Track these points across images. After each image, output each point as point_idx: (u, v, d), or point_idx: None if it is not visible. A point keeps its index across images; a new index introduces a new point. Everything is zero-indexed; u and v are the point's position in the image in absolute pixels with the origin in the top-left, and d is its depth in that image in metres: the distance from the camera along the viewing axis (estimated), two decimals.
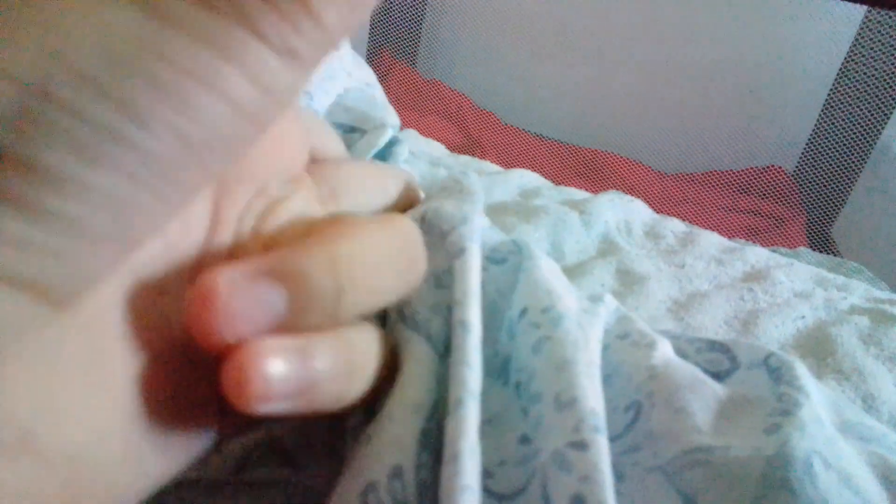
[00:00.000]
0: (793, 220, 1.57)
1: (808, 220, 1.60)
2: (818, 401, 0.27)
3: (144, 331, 0.14)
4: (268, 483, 0.26)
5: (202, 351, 0.13)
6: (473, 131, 1.75)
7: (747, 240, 0.57)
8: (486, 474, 0.23)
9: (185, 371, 0.15)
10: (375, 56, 1.91)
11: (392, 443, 0.20)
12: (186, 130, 0.11)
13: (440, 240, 0.28)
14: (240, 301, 0.13)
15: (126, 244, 0.11)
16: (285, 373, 0.14)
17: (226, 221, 0.16)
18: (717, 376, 0.30)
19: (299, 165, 0.19)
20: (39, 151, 0.10)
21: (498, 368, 0.27)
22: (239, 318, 0.13)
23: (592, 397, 0.23)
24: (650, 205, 0.59)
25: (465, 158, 0.60)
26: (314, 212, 0.19)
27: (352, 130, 0.39)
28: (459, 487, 0.19)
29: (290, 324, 0.14)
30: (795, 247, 1.33)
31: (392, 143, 0.38)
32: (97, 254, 0.11)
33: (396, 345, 0.25)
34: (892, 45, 1.51)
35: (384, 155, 0.37)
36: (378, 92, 0.47)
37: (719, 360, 0.31)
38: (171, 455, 0.15)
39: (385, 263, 0.16)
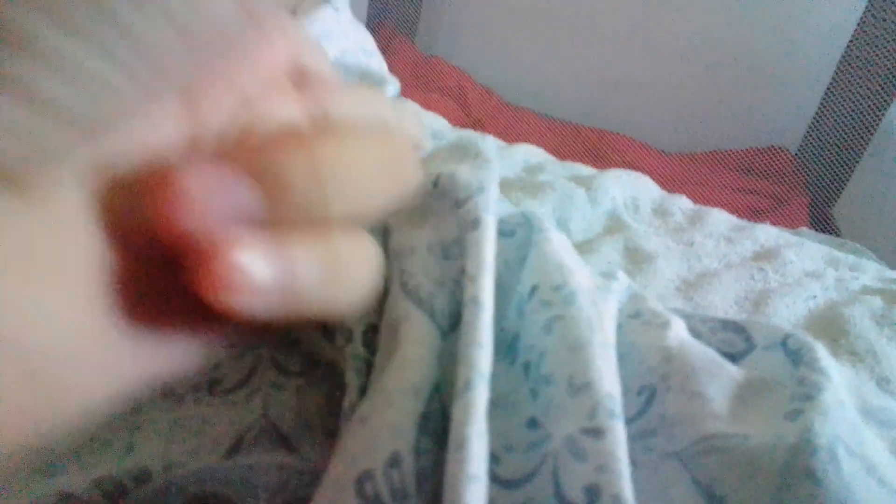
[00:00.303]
0: (795, 200, 1.56)
1: (811, 200, 1.59)
2: (840, 384, 0.26)
3: (117, 227, 0.13)
4: (262, 466, 0.25)
5: (167, 245, 0.13)
6: (474, 109, 1.74)
7: (749, 220, 0.55)
8: (492, 458, 0.22)
9: (161, 272, 0.14)
10: (374, 30, 1.89)
11: (389, 428, 0.20)
12: (178, 13, 0.10)
13: (453, 208, 0.26)
14: (204, 190, 0.13)
15: (93, 126, 0.11)
16: (262, 263, 0.13)
17: (205, 126, 0.15)
18: (732, 357, 0.29)
19: (285, 76, 0.18)
20: (21, 17, 0.09)
21: (505, 347, 0.26)
22: (201, 206, 0.12)
23: (608, 380, 0.22)
24: None
25: (467, 132, 0.58)
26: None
27: None
28: (466, 477, 0.18)
29: (269, 224, 0.13)
30: (797, 227, 1.33)
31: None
32: (61, 133, 0.11)
33: (396, 320, 0.24)
34: (895, 27, 1.50)
35: None
36: (376, 59, 0.45)
37: (734, 340, 0.30)
38: (145, 358, 0.14)
39: (371, 169, 0.15)
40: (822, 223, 1.56)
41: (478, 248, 0.23)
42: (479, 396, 0.19)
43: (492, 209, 0.25)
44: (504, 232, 0.28)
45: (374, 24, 1.90)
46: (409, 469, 0.19)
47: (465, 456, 0.18)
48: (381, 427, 0.20)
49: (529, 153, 0.60)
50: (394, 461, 0.19)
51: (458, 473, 0.18)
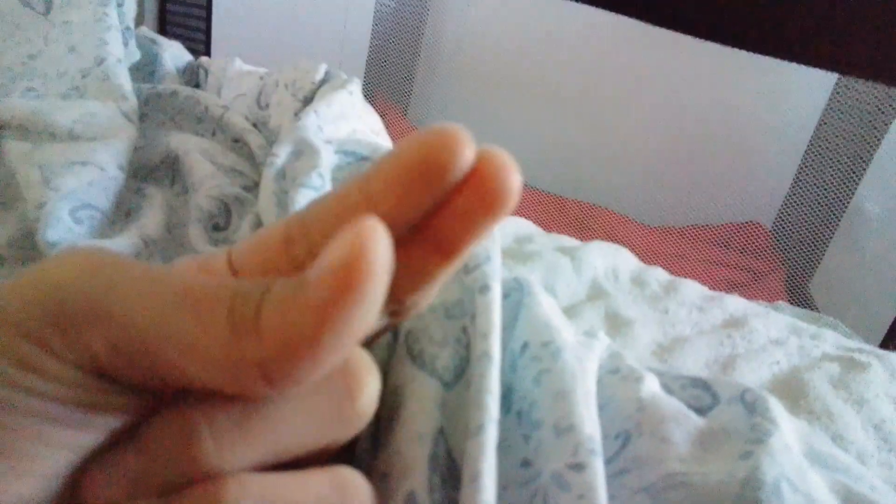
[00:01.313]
0: (772, 274, 1.61)
1: (787, 275, 1.64)
2: (788, 431, 0.29)
3: None
4: None
5: None
6: None
7: (727, 293, 0.60)
8: None
9: None
10: (368, 103, 1.95)
11: (403, 473, 0.22)
12: None
13: (460, 274, 0.30)
14: None
15: None
16: None
17: None
18: (700, 411, 0.32)
19: None
20: None
21: (500, 398, 0.29)
22: None
23: (589, 424, 0.26)
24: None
25: None
26: None
27: (363, 159, 0.42)
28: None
29: None
30: (774, 301, 1.37)
31: None
32: None
33: (401, 381, 0.27)
34: (863, 107, 1.58)
35: None
36: (382, 137, 0.50)
37: (701, 396, 0.33)
38: None
39: None
40: (800, 297, 1.60)
41: (488, 310, 0.27)
42: (490, 437, 0.22)
43: (498, 276, 0.29)
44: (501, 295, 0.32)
45: (369, 97, 1.98)
46: (425, 503, 0.22)
47: (480, 487, 0.21)
48: (398, 475, 0.22)
49: (519, 225, 0.65)
50: (410, 499, 0.22)
51: (474, 501, 0.20)
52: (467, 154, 0.16)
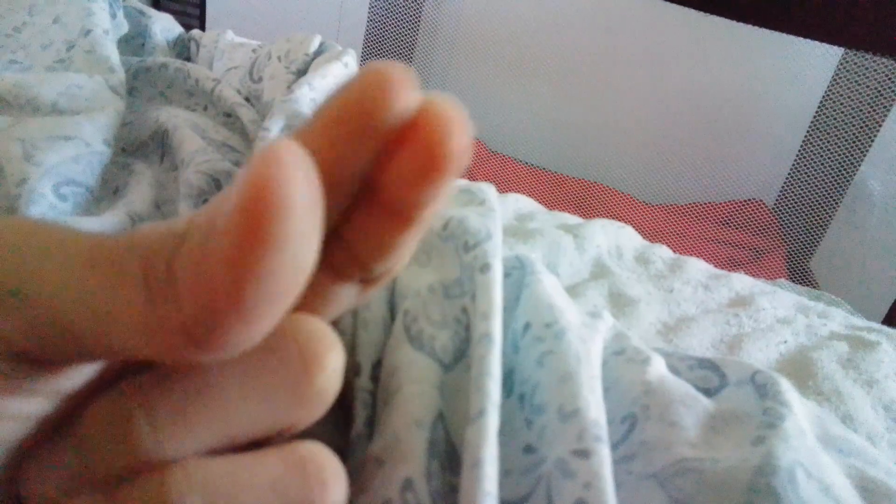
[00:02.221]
0: (773, 252, 1.60)
1: (788, 252, 1.64)
2: (801, 415, 0.28)
3: None
4: None
5: None
6: None
7: (728, 271, 0.59)
8: None
9: None
10: None
11: (400, 459, 0.22)
12: None
13: (459, 251, 0.29)
14: None
15: None
16: None
17: None
18: (707, 392, 0.32)
19: None
20: None
21: (501, 380, 0.28)
22: None
23: (594, 408, 0.25)
24: None
25: (465, 183, 0.61)
26: None
27: None
28: (483, 493, 0.20)
29: None
30: (775, 279, 1.37)
31: None
32: None
33: (396, 363, 0.26)
34: (867, 84, 1.56)
35: None
36: None
37: (709, 377, 0.32)
38: None
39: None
40: (800, 275, 1.59)
41: (488, 290, 0.26)
42: (491, 422, 0.22)
43: (498, 255, 0.28)
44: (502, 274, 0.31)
45: None
46: (422, 491, 0.21)
47: (481, 474, 0.20)
48: (395, 460, 0.22)
49: (520, 202, 0.64)
50: (407, 486, 0.21)
51: (475, 490, 0.20)
52: (403, 96, 0.13)
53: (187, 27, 0.59)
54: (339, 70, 0.45)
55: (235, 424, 0.15)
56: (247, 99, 0.46)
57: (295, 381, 0.15)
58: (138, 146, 0.41)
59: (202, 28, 1.40)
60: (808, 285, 1.44)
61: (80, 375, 0.15)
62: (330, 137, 0.14)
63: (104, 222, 0.33)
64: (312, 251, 0.12)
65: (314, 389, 0.15)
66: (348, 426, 0.26)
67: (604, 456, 0.23)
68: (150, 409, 0.14)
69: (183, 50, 0.54)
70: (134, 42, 0.52)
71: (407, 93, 0.14)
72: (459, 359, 0.27)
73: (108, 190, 0.37)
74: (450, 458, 0.25)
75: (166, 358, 0.13)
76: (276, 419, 0.16)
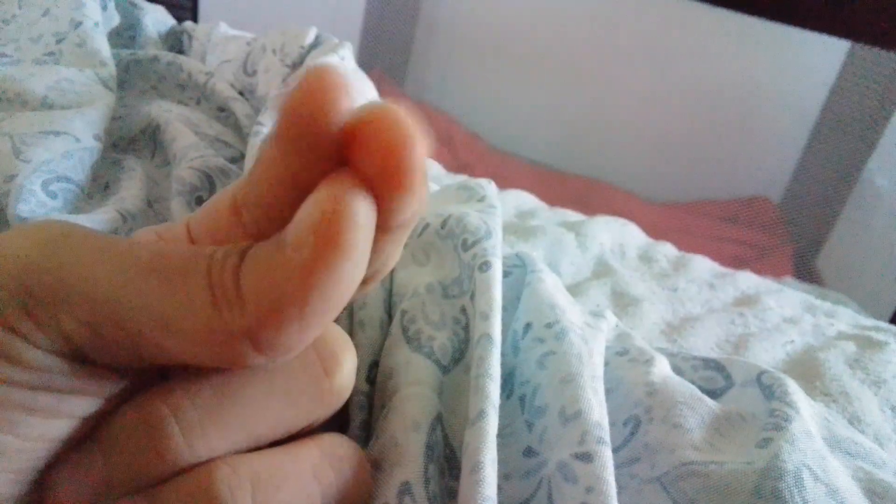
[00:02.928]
0: (779, 250, 1.59)
1: (794, 250, 1.62)
2: (808, 416, 0.28)
3: None
4: None
5: None
6: (462, 154, 1.77)
7: (733, 269, 0.58)
8: None
9: None
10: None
11: (397, 463, 0.21)
12: None
13: (458, 250, 0.28)
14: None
15: None
16: None
17: None
18: (713, 394, 0.31)
19: None
20: None
21: (502, 382, 0.28)
22: None
23: (597, 410, 0.24)
24: None
25: (462, 178, 0.61)
26: None
27: None
28: (481, 498, 0.19)
29: None
30: (781, 276, 1.36)
31: None
32: None
33: (394, 364, 0.25)
34: (874, 80, 1.55)
35: None
36: None
37: (714, 377, 0.32)
38: None
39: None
40: (807, 273, 1.58)
41: (488, 289, 0.25)
42: (490, 424, 0.21)
43: (499, 253, 0.27)
44: (502, 273, 0.30)
45: (364, 69, 1.95)
46: (420, 495, 0.20)
47: (480, 478, 0.19)
48: (392, 464, 0.21)
49: (521, 199, 0.63)
50: (405, 490, 0.20)
51: (474, 495, 0.19)
52: (341, 101, 0.14)
53: (180, 19, 0.58)
54: (335, 63, 0.44)
55: (262, 425, 0.16)
56: (241, 93, 0.45)
57: (316, 381, 0.17)
58: (129, 141, 0.40)
59: (195, 20, 1.39)
60: (814, 283, 1.43)
61: (125, 379, 0.16)
62: (282, 150, 0.14)
63: (94, 220, 0.32)
64: (365, 268, 0.14)
65: (333, 389, 0.17)
66: (343, 430, 0.26)
67: (607, 459, 0.23)
68: (180, 413, 0.15)
69: (175, 43, 0.54)
70: (125, 35, 0.51)
71: (344, 97, 0.14)
72: (458, 360, 0.27)
73: (98, 186, 0.36)
74: (449, 461, 0.24)
75: (223, 362, 0.14)
76: (298, 418, 0.17)
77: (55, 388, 0.14)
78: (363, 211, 0.13)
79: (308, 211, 0.13)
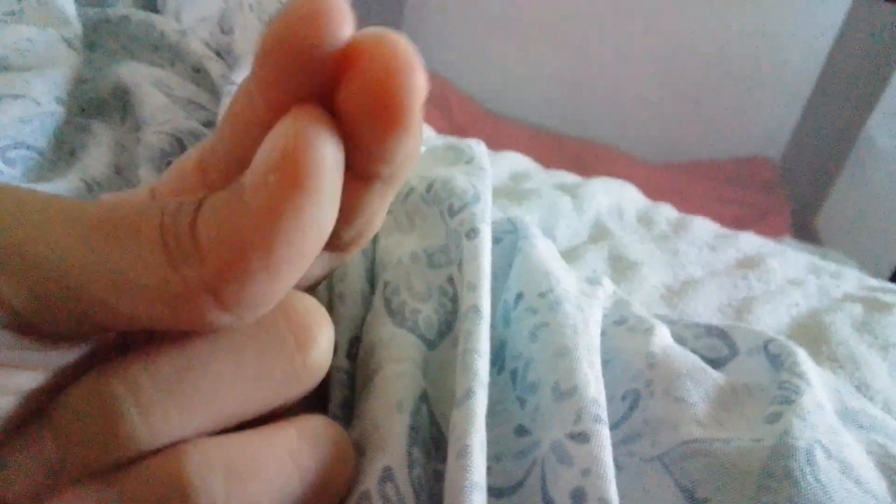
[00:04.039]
0: (777, 210, 1.58)
1: (793, 210, 1.61)
2: (819, 387, 0.26)
3: None
4: None
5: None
6: (457, 117, 1.75)
7: (732, 230, 0.56)
8: None
9: None
10: None
11: (379, 448, 0.20)
12: None
13: (444, 215, 0.26)
14: None
15: None
16: None
17: None
18: (716, 363, 0.29)
19: None
20: None
21: (492, 355, 0.26)
22: None
23: (593, 385, 0.23)
24: None
25: (453, 140, 0.59)
26: None
27: None
28: (469, 485, 0.18)
29: None
30: (779, 237, 1.35)
31: None
32: None
33: (376, 340, 0.24)
34: (876, 38, 1.52)
35: None
36: None
37: (718, 346, 0.30)
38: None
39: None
40: (805, 233, 1.57)
41: (476, 257, 0.24)
42: (479, 404, 0.20)
43: (487, 218, 0.25)
44: (492, 239, 0.28)
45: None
46: (403, 480, 0.19)
47: (468, 464, 0.18)
48: (373, 448, 0.20)
49: (515, 161, 0.61)
50: (386, 477, 0.19)
51: (461, 481, 0.18)
52: (338, 23, 0.12)
53: None
54: None
55: (229, 404, 0.15)
56: (217, 52, 0.43)
57: (288, 356, 0.15)
58: (97, 105, 0.38)
59: None
60: (812, 243, 1.42)
61: (77, 349, 0.14)
62: (262, 81, 0.13)
63: (57, 188, 0.30)
64: (335, 212, 0.13)
65: (307, 366, 0.16)
66: (323, 410, 0.24)
67: (604, 438, 0.21)
68: (137, 391, 0.14)
69: (149, 1, 0.51)
70: None
71: (344, 22, 0.13)
72: (445, 334, 0.25)
73: (63, 153, 0.34)
74: (436, 441, 0.22)
75: (183, 323, 0.13)
76: (270, 397, 0.15)
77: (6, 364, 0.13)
78: (329, 147, 0.12)
79: (266, 150, 0.12)
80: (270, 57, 0.13)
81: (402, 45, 0.13)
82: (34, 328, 0.13)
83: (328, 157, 0.12)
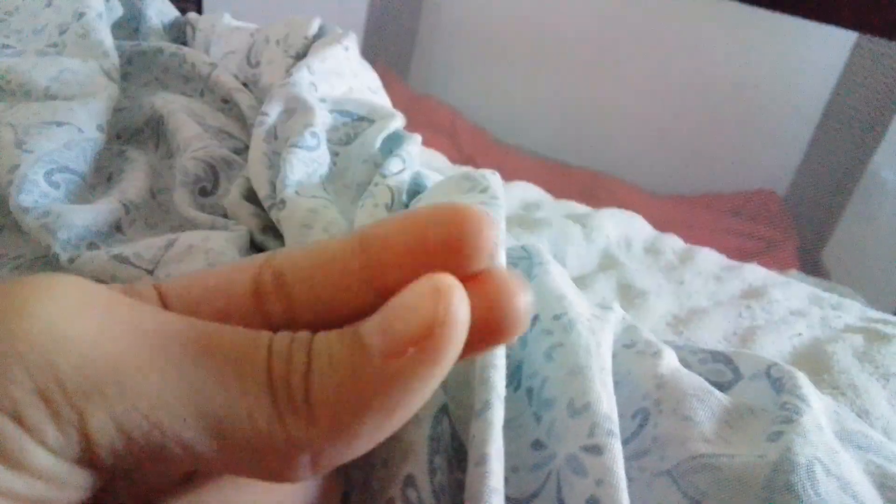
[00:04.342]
0: (784, 243, 1.58)
1: (800, 244, 1.62)
2: (819, 409, 0.27)
3: None
4: None
5: None
6: (466, 147, 1.76)
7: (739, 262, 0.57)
8: None
9: None
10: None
11: (402, 457, 0.21)
12: None
13: None
14: None
15: None
16: None
17: None
18: (721, 387, 0.30)
19: None
20: None
21: (509, 374, 0.27)
22: None
23: (606, 402, 0.24)
24: None
25: (468, 170, 0.60)
26: None
27: (361, 119, 0.40)
28: (488, 490, 0.19)
29: None
30: (786, 270, 1.35)
31: (400, 139, 0.39)
32: None
33: None
34: (881, 73, 1.54)
35: (392, 147, 0.38)
36: (380, 96, 0.48)
37: (722, 371, 0.31)
38: None
39: None
40: (812, 267, 1.58)
41: None
42: (496, 415, 0.21)
43: (503, 244, 0.27)
44: (507, 265, 0.30)
45: (368, 61, 1.94)
46: (425, 488, 0.20)
47: (487, 471, 0.19)
48: (397, 459, 0.21)
49: (527, 190, 0.62)
50: (409, 483, 0.20)
51: (480, 487, 0.19)
52: (488, 240, 0.13)
53: (183, 11, 0.58)
54: (339, 53, 0.44)
55: None
56: (244, 84, 0.45)
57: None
58: (133, 132, 0.40)
59: (199, 11, 1.38)
60: (819, 277, 1.42)
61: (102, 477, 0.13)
62: (408, 271, 0.13)
63: (97, 209, 0.32)
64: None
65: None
66: None
67: (616, 451, 0.23)
68: None
69: (179, 34, 0.53)
70: (128, 26, 0.51)
71: (489, 237, 0.13)
72: None
73: (101, 177, 0.36)
74: (458, 454, 0.24)
75: (266, 476, 0.12)
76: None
77: (39, 500, 0.11)
78: (466, 322, 0.12)
79: (404, 316, 0.12)
80: (419, 248, 0.13)
81: (517, 283, 0.13)
82: (97, 463, 0.11)
83: (464, 333, 0.12)
